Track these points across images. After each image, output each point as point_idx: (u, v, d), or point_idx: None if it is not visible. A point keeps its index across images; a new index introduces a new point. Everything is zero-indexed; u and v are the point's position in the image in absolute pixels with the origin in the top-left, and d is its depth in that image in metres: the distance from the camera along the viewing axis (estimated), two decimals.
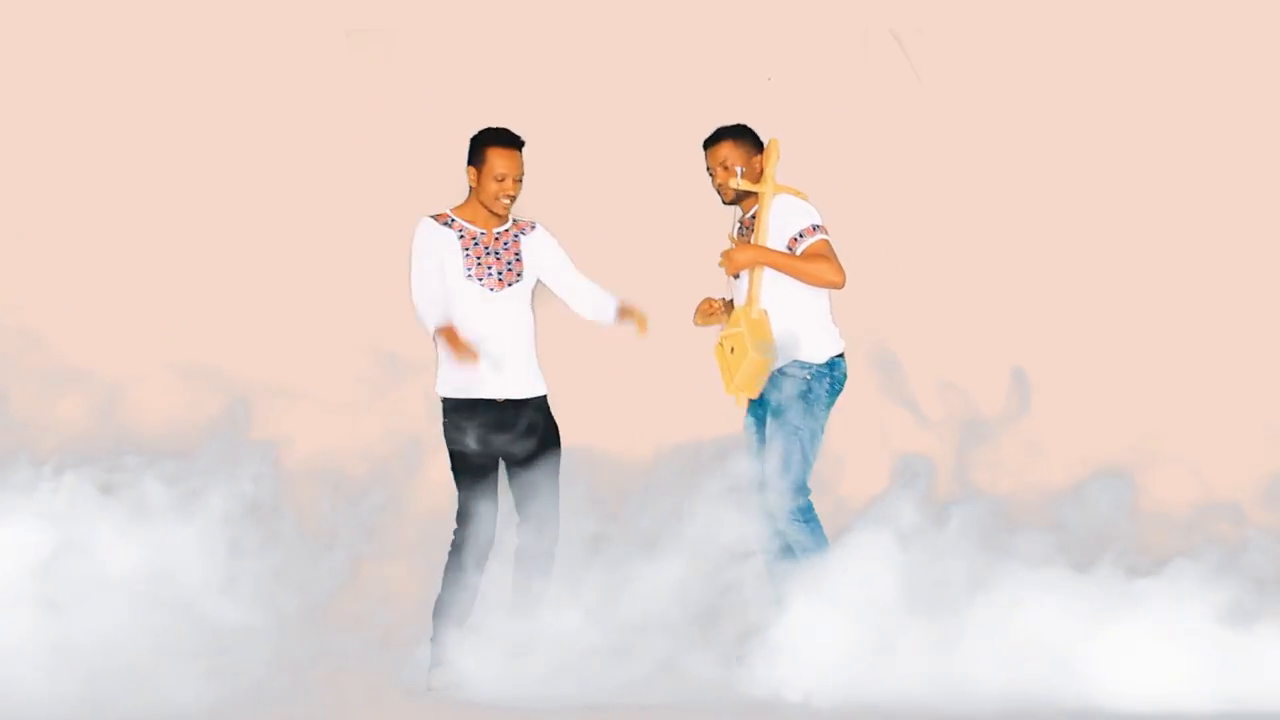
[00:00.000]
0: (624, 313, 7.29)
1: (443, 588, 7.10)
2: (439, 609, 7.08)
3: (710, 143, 7.29)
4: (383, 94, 10.35)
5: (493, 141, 7.15)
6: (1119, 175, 10.53)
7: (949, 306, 10.29)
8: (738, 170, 7.22)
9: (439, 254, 7.15)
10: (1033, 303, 10.35)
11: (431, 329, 7.11)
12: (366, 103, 10.35)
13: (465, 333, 7.07)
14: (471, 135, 7.20)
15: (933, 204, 10.45)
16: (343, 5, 10.46)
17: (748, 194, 7.28)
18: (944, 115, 10.52)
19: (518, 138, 7.17)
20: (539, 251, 7.24)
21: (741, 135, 7.27)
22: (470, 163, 7.18)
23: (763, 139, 7.28)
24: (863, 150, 10.30)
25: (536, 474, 7.12)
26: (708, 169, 7.31)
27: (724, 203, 7.35)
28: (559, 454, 7.18)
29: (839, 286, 7.14)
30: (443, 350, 7.10)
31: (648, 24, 10.50)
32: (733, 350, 7.13)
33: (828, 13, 10.53)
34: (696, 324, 7.43)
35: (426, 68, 10.39)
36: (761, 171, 7.25)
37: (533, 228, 7.25)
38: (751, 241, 7.22)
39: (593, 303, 7.30)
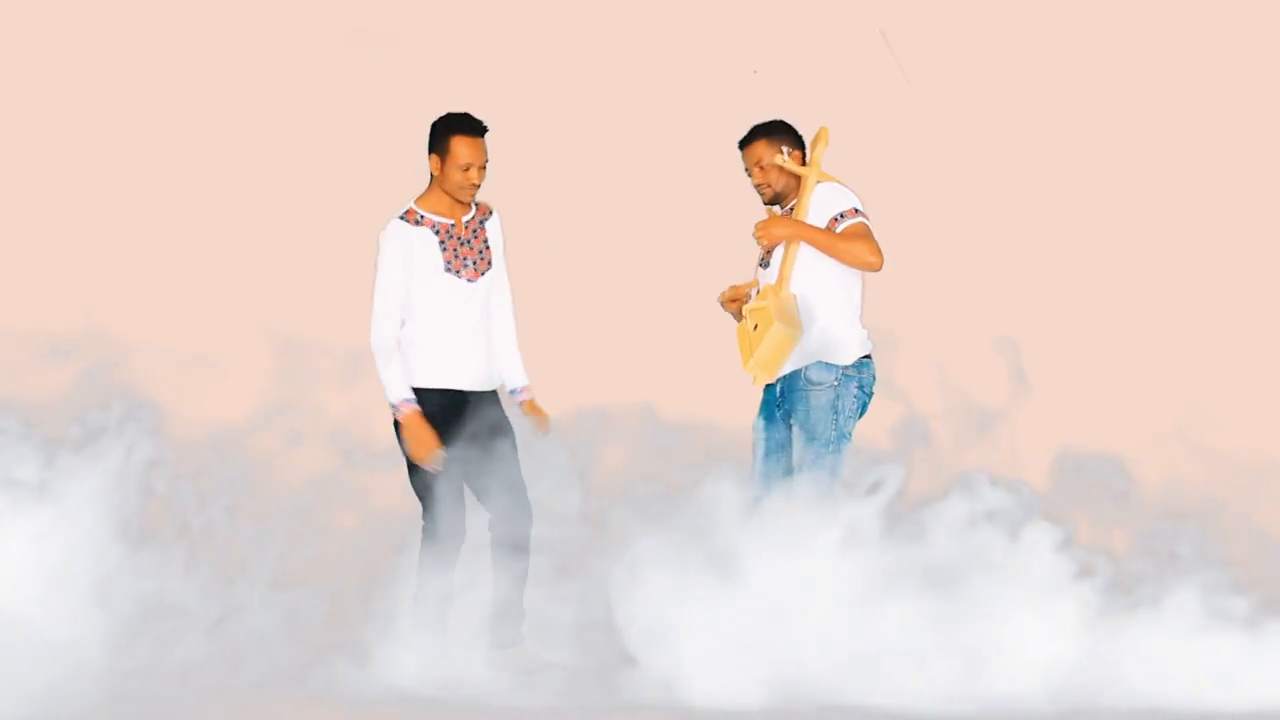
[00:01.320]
0: (530, 407, 7.05)
1: (416, 584, 6.90)
2: (413, 605, 6.90)
3: (745, 142, 7.10)
4: (383, 94, 10.38)
5: (457, 129, 6.86)
6: (1114, 174, 10.58)
7: (946, 305, 10.33)
8: (783, 150, 7.03)
9: (413, 257, 6.86)
10: (1028, 301, 10.39)
11: (394, 398, 6.83)
12: (367, 102, 10.37)
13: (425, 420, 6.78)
14: (433, 121, 6.92)
15: (928, 203, 10.50)
16: (343, 5, 10.49)
17: (785, 194, 7.08)
18: (937, 114, 10.58)
19: (481, 124, 6.87)
20: (496, 241, 7.03)
21: (776, 131, 7.09)
22: (433, 150, 6.89)
23: (803, 132, 7.13)
24: (858, 150, 10.36)
25: (508, 463, 6.93)
26: (745, 170, 7.12)
27: (764, 203, 7.14)
28: (515, 439, 6.98)
29: (876, 268, 6.91)
30: (403, 433, 6.81)
31: (647, 22, 10.55)
32: (756, 327, 6.85)
33: (823, 13, 10.60)
34: (720, 300, 7.17)
35: (426, 68, 10.42)
36: (805, 159, 7.09)
37: (491, 214, 7.03)
38: None
39: (501, 350, 7.07)
